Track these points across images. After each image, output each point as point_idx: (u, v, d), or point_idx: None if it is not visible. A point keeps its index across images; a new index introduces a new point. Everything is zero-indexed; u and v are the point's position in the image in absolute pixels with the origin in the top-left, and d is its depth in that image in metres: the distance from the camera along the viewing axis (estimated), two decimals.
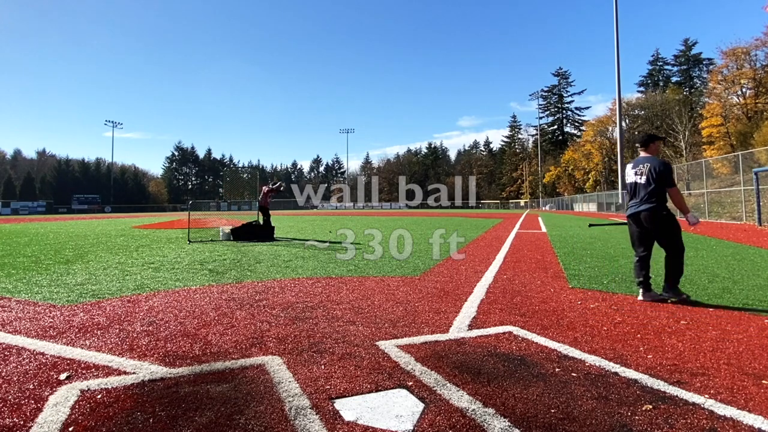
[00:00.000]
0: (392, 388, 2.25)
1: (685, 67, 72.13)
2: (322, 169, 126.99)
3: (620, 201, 37.40)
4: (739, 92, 45.98)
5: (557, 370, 2.50)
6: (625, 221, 4.61)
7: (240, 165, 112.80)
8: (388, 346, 2.91)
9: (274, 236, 11.71)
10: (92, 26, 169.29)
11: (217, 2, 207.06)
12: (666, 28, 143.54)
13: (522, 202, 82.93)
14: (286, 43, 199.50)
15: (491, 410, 2.02)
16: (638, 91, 74.97)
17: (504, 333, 3.21)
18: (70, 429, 1.87)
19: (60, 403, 2.10)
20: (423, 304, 4.14)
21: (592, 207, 45.62)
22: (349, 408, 2.04)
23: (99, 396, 2.19)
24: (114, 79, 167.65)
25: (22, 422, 1.93)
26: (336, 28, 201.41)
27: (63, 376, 2.42)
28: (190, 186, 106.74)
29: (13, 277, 5.70)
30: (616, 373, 2.44)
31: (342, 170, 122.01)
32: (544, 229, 15.22)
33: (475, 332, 3.23)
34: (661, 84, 71.56)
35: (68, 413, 2.01)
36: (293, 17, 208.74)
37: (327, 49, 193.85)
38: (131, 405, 2.08)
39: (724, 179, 30.06)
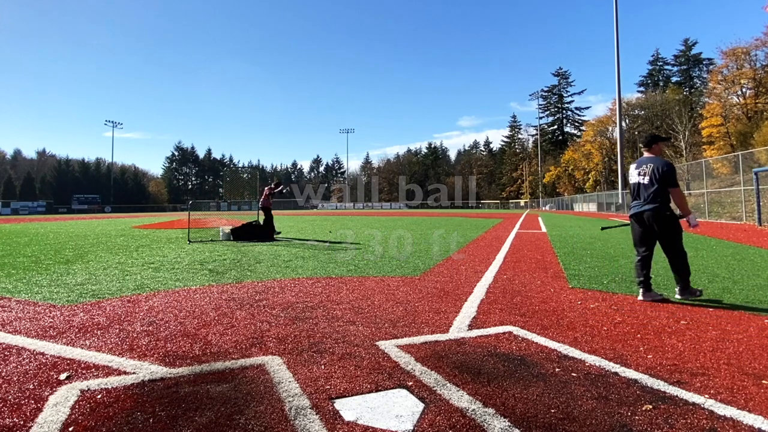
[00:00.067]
0: (392, 388, 2.25)
1: (685, 67, 72.16)
2: (322, 169, 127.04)
3: (620, 201, 37.40)
4: (739, 92, 45.99)
5: (557, 370, 2.50)
6: None
7: (240, 165, 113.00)
8: (388, 346, 2.91)
9: (278, 236, 11.73)
10: (92, 26, 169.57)
11: (217, 2, 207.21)
12: (666, 28, 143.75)
13: (522, 202, 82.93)
14: (286, 43, 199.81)
15: (491, 410, 2.02)
16: (638, 91, 75.12)
17: (504, 333, 3.21)
18: (70, 429, 1.87)
19: (60, 403, 2.10)
20: (423, 304, 4.14)
21: (592, 207, 45.60)
22: (349, 408, 2.04)
23: (99, 396, 2.19)
24: (114, 79, 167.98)
25: (22, 422, 1.93)
26: (336, 28, 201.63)
27: (63, 376, 2.42)
28: (190, 186, 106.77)
29: (13, 277, 5.70)
30: (616, 373, 2.44)
31: (342, 170, 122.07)
32: (544, 229, 15.22)
33: (475, 332, 3.23)
34: (661, 84, 71.59)
35: (68, 413, 2.01)
36: (293, 17, 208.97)
37: (327, 49, 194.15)
38: (131, 405, 2.08)
39: (724, 179, 30.06)
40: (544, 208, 64.35)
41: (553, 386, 2.28)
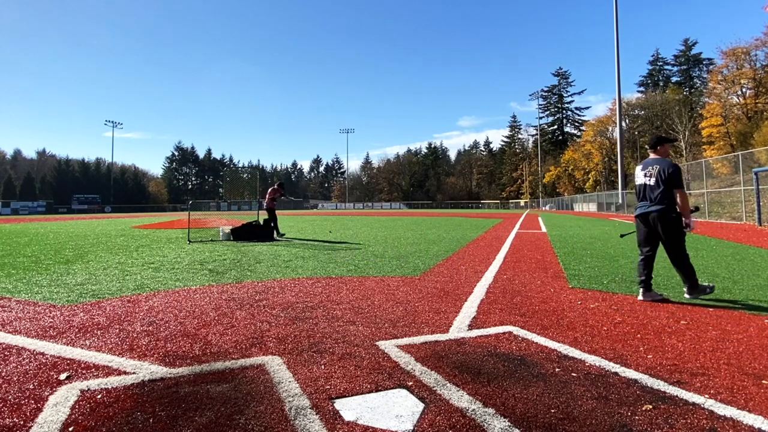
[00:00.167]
0: (392, 388, 2.25)
1: (685, 67, 72.18)
2: (322, 169, 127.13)
3: (620, 201, 37.40)
4: (739, 92, 46.00)
5: (557, 370, 2.50)
6: None
7: (240, 165, 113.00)
8: (388, 346, 2.91)
9: (281, 238, 11.73)
10: (92, 26, 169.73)
11: (217, 2, 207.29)
12: (666, 28, 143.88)
13: (522, 202, 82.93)
14: (286, 43, 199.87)
15: (491, 410, 2.02)
16: (638, 91, 75.16)
17: (504, 333, 3.21)
18: (70, 429, 1.87)
19: (60, 403, 2.10)
20: (423, 304, 4.14)
21: (592, 207, 45.60)
22: (349, 408, 2.04)
23: (99, 396, 2.18)
24: (114, 79, 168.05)
25: (22, 422, 1.93)
26: (336, 28, 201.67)
27: (63, 376, 2.42)
28: (190, 186, 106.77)
29: (13, 277, 5.70)
30: (616, 373, 2.44)
31: (342, 170, 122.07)
32: (544, 229, 15.22)
33: (475, 332, 3.23)
34: (661, 84, 71.61)
35: (68, 413, 2.01)
36: (293, 17, 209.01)
37: (327, 49, 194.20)
38: (131, 405, 2.08)
39: (724, 179, 30.07)
40: (544, 208, 64.35)
41: (553, 386, 2.28)
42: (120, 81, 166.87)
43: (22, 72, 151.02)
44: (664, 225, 4.17)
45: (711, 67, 59.56)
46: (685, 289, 4.28)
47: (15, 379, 2.40)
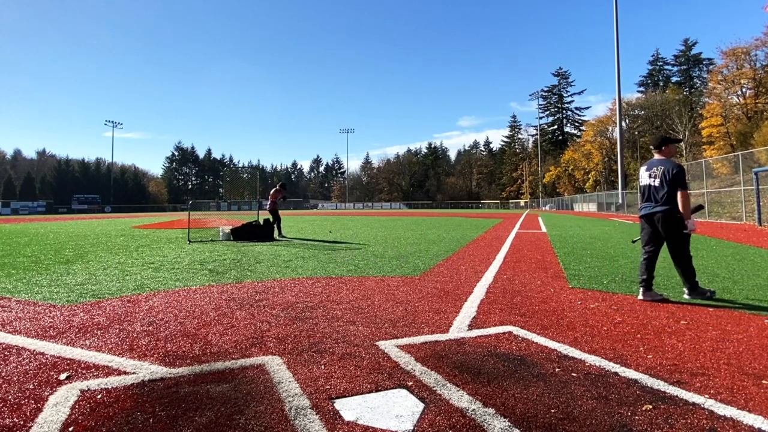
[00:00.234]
0: (392, 388, 2.25)
1: (685, 67, 72.20)
2: (322, 169, 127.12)
3: (620, 201, 37.40)
4: (739, 92, 46.01)
5: (557, 370, 2.50)
6: None
7: (240, 165, 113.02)
8: (388, 346, 2.91)
9: (285, 236, 11.74)
10: (92, 26, 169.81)
11: (217, 2, 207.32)
12: (666, 28, 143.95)
13: (522, 202, 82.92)
14: (286, 43, 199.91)
15: (491, 410, 2.02)
16: (638, 91, 75.20)
17: (504, 333, 3.21)
18: (70, 429, 1.87)
19: (60, 403, 2.10)
20: (423, 304, 4.14)
21: (592, 207, 45.61)
22: (349, 408, 2.04)
23: (99, 396, 2.18)
24: (114, 79, 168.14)
25: (22, 422, 1.93)
26: (336, 28, 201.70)
27: (63, 376, 2.42)
28: (190, 186, 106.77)
29: (13, 277, 5.70)
30: (616, 373, 2.44)
31: (342, 170, 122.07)
32: (544, 229, 15.22)
33: (475, 332, 3.23)
34: (661, 84, 71.64)
35: (68, 413, 2.00)
36: (293, 17, 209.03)
37: (327, 49, 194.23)
38: (131, 405, 2.08)
39: (724, 179, 30.07)
40: (544, 208, 64.35)
41: (553, 386, 2.28)
42: (120, 81, 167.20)
43: (22, 72, 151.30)
44: (669, 225, 4.19)
45: (711, 67, 59.62)
46: (685, 290, 4.29)
47: (15, 379, 2.40)
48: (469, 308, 3.94)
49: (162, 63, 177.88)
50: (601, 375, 2.43)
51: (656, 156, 4.45)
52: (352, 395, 2.18)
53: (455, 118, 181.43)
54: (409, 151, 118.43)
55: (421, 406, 2.06)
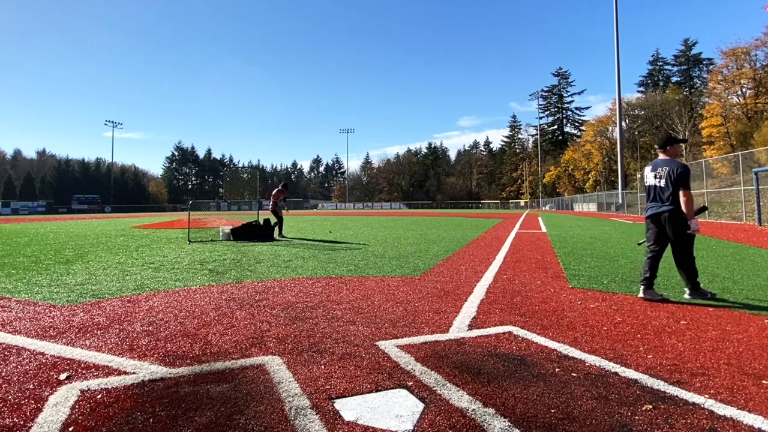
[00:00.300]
0: (392, 388, 2.25)
1: (685, 67, 72.23)
2: (322, 169, 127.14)
3: (620, 201, 37.40)
4: (739, 92, 46.02)
5: (557, 370, 2.50)
6: None
7: (240, 165, 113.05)
8: (388, 346, 2.91)
9: (285, 236, 11.74)
10: (92, 26, 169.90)
11: (217, 2, 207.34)
12: (666, 28, 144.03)
13: (522, 202, 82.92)
14: (286, 43, 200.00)
15: (491, 410, 2.02)
16: (638, 91, 75.24)
17: (504, 333, 3.21)
18: (70, 429, 1.87)
19: (60, 403, 2.10)
20: (423, 304, 4.14)
21: (592, 207, 45.60)
22: (349, 408, 2.04)
23: (99, 396, 2.18)
24: (114, 79, 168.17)
25: (22, 422, 1.93)
26: (336, 28, 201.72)
27: (63, 376, 2.42)
28: (190, 186, 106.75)
29: (13, 277, 5.70)
30: (616, 373, 2.44)
31: (342, 170, 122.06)
32: (544, 229, 15.21)
33: (475, 332, 3.23)
34: (661, 84, 71.66)
35: (68, 413, 2.00)
36: (293, 17, 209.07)
37: (326, 49, 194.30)
38: (131, 405, 2.08)
39: (724, 179, 30.07)
40: (544, 208, 64.34)
41: (553, 386, 2.28)
42: (120, 81, 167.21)
43: (22, 72, 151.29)
44: (674, 225, 4.20)
45: (711, 67, 59.62)
46: (686, 290, 4.29)
47: (15, 379, 2.40)
48: (469, 308, 3.94)
49: (162, 63, 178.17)
50: (601, 375, 2.43)
51: (661, 156, 4.46)
52: (352, 395, 2.18)
53: (455, 118, 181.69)
54: (409, 151, 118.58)
55: (421, 406, 2.06)
